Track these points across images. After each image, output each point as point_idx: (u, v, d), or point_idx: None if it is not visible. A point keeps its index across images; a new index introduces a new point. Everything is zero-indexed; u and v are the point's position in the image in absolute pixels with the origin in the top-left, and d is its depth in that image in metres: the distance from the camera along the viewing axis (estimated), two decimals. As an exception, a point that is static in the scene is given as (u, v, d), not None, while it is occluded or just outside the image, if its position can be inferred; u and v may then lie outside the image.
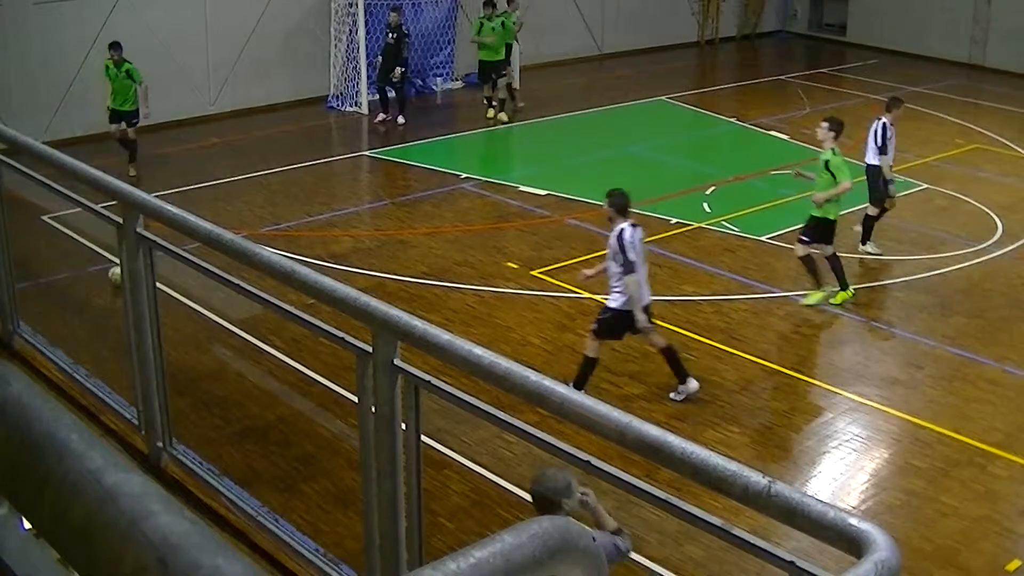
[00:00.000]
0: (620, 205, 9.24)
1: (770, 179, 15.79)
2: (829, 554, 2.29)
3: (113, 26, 16.95)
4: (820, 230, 11.36)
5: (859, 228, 12.90)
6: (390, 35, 18.11)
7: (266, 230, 13.43)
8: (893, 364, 10.45)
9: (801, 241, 11.46)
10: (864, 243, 12.93)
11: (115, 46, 15.15)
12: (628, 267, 9.10)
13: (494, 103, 18.78)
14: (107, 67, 15.26)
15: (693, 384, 9.48)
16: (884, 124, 12.61)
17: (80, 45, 16.78)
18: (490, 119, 18.69)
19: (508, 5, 19.07)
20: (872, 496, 8.33)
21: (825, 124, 11.52)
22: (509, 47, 18.77)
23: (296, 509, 7.52)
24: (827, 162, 11.29)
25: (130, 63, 15.20)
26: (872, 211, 12.90)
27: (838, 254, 11.57)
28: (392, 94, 18.39)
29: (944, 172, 16.12)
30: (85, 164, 4.88)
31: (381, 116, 18.53)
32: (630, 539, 4.87)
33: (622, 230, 9.12)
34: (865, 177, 12.87)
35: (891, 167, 12.76)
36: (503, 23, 18.50)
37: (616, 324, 9.35)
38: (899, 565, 2.10)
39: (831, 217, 11.38)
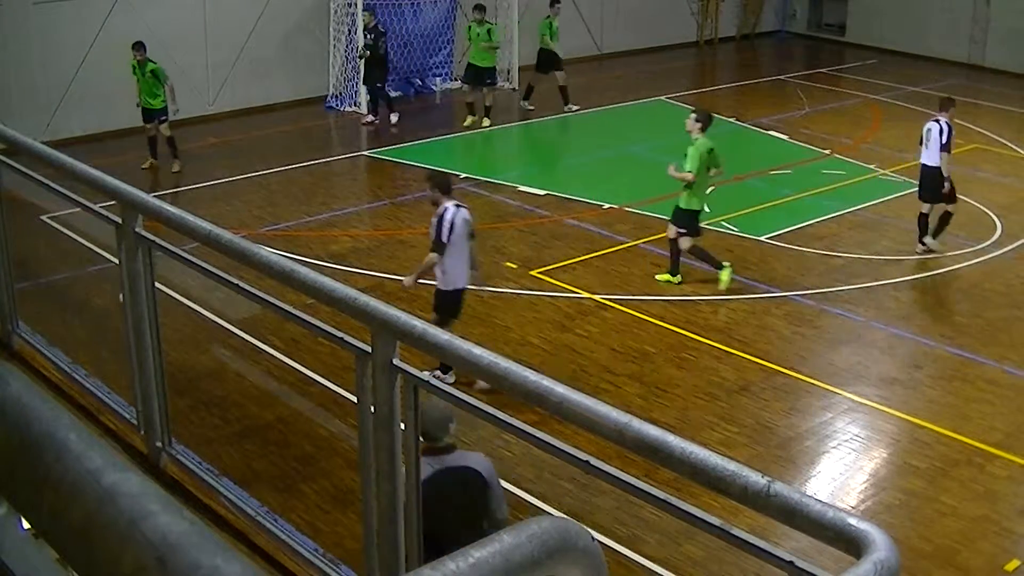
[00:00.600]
0: (443, 184, 9.56)
1: (769, 179, 15.80)
2: (828, 554, 2.29)
3: (112, 26, 16.96)
4: (685, 219, 11.84)
5: (928, 241, 12.91)
6: (367, 36, 18.08)
7: (265, 230, 13.43)
8: (892, 364, 10.45)
9: (680, 235, 11.89)
10: (931, 238, 12.93)
11: (138, 46, 15.31)
12: (436, 246, 9.31)
13: (475, 111, 18.41)
14: (133, 67, 15.45)
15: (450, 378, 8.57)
16: (946, 124, 12.69)
17: (79, 45, 16.79)
18: (467, 126, 18.37)
19: (551, 8, 19.07)
20: (871, 496, 8.33)
21: (693, 116, 12.06)
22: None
23: (295, 509, 7.52)
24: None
25: (154, 63, 15.37)
26: (925, 208, 12.93)
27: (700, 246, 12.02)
28: (369, 95, 18.45)
29: (943, 172, 16.10)
30: (84, 164, 4.88)
31: (369, 118, 18.51)
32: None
33: (445, 209, 9.31)
34: (922, 177, 12.89)
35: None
36: (489, 30, 18.42)
37: (445, 303, 9.62)
38: (898, 565, 2.10)
39: (693, 208, 11.80)
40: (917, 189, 13.09)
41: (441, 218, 9.24)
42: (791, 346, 10.73)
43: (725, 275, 11.83)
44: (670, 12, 24.75)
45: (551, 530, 1.81)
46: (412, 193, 15.13)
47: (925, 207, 12.93)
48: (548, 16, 19.13)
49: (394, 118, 18.40)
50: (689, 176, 11.57)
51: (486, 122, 18.35)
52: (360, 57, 18.32)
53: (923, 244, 12.93)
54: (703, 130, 11.79)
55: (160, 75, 15.37)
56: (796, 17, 27.12)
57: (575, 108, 19.26)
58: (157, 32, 17.12)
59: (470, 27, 18.60)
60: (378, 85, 18.27)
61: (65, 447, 1.64)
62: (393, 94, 20.04)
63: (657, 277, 12.12)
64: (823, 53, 25.45)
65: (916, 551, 7.48)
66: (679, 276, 12.04)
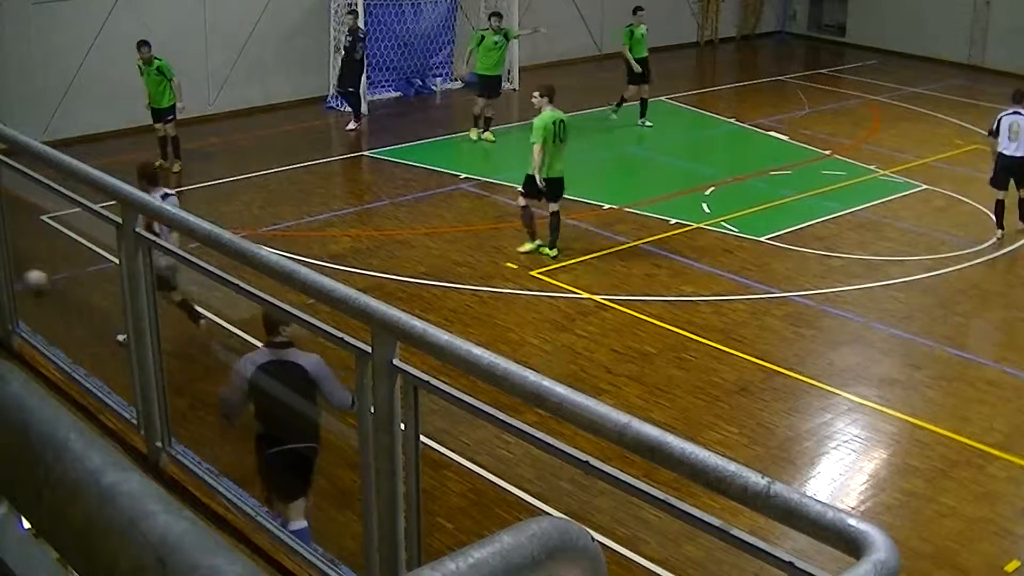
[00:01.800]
0: (148, 175, 10.14)
1: (769, 180, 15.80)
2: (828, 555, 2.29)
3: (112, 26, 16.96)
4: (535, 186, 12.52)
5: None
6: (346, 38, 17.91)
7: (265, 230, 13.43)
8: (892, 365, 10.45)
9: (520, 194, 12.79)
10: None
11: (143, 45, 15.23)
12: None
13: (480, 123, 17.70)
14: (139, 66, 15.35)
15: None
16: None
17: (79, 45, 16.79)
18: (475, 141, 17.64)
19: (634, 16, 18.41)
20: (871, 497, 8.33)
21: (536, 92, 12.81)
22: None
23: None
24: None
25: (160, 59, 15.28)
26: (1001, 195, 13.42)
27: (560, 215, 12.73)
28: (343, 100, 18.25)
29: (943, 173, 16.13)
30: (84, 164, 4.88)
31: (352, 126, 18.08)
32: None
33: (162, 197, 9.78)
34: (1012, 166, 13.23)
35: None
36: (506, 34, 17.89)
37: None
38: (898, 566, 2.09)
39: (550, 175, 12.47)
40: (998, 178, 13.38)
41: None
42: (791, 347, 10.73)
43: (529, 247, 12.76)
44: (670, 13, 24.73)
45: (551, 530, 1.81)
46: (412, 193, 15.13)
47: (1001, 194, 13.36)
48: (630, 24, 18.31)
49: (352, 126, 17.99)
50: (536, 148, 12.30)
51: (488, 135, 17.66)
52: (352, 89, 17.90)
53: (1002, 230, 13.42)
54: (550, 102, 12.51)
55: (166, 71, 15.31)
56: (796, 18, 27.12)
57: (649, 124, 18.52)
58: (157, 32, 17.10)
59: (483, 37, 17.64)
60: (350, 89, 17.84)
61: (65, 447, 1.63)
62: (394, 94, 20.06)
63: (542, 250, 12.78)
64: (823, 54, 25.46)
65: (916, 552, 7.48)
66: (539, 241, 12.77)
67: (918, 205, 14.82)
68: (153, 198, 9.21)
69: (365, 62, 18.32)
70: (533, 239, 12.79)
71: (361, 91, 18.23)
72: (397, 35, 20.11)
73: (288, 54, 19.26)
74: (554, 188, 12.56)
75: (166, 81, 15.31)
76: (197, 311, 10.54)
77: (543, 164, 12.39)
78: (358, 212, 14.53)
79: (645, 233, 13.53)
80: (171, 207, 10.06)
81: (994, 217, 13.49)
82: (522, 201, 12.73)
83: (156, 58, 15.27)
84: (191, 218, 4.21)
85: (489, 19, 18.12)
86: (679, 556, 7.30)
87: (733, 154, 17.81)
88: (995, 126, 13.28)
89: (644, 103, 18.43)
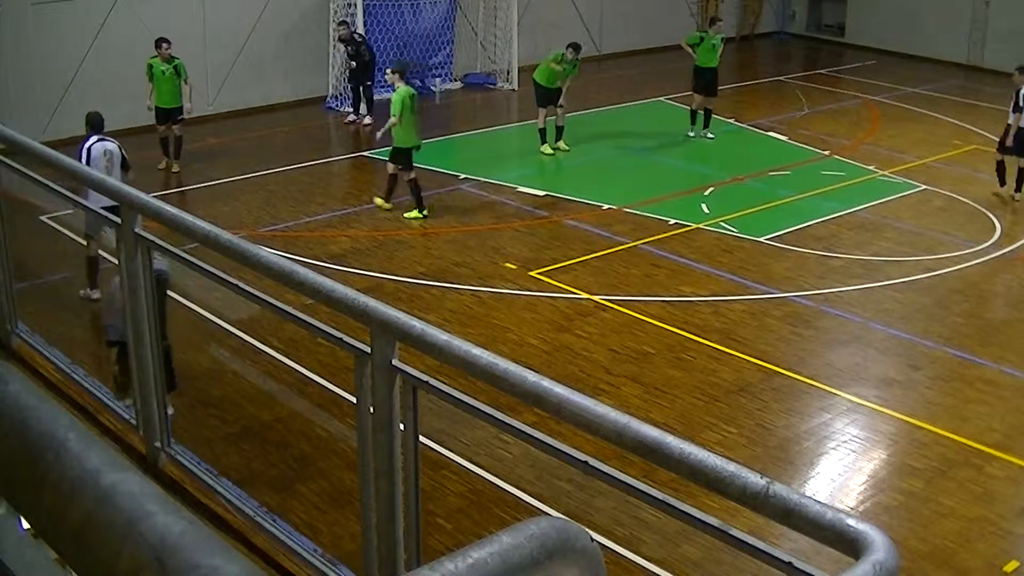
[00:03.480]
0: (93, 121, 11.31)
1: (768, 180, 15.81)
2: (827, 555, 2.29)
3: (111, 27, 16.96)
4: (399, 156, 13.96)
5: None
6: (348, 48, 18.23)
7: (264, 230, 13.43)
8: (891, 365, 10.45)
9: (399, 170, 14.02)
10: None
11: (163, 41, 15.22)
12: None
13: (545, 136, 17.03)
14: (152, 65, 15.28)
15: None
16: None
17: (78, 46, 16.78)
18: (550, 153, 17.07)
19: (711, 27, 18.37)
20: (870, 497, 8.33)
21: (389, 70, 14.59)
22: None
23: (294, 509, 7.52)
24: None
25: (177, 58, 15.34)
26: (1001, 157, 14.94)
27: (418, 179, 14.04)
28: (353, 95, 18.55)
29: (942, 173, 16.14)
30: (83, 164, 4.88)
31: (351, 117, 18.55)
32: None
33: (88, 141, 10.91)
34: None
35: None
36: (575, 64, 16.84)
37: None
38: (897, 566, 2.10)
39: (406, 145, 13.90)
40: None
41: (82, 146, 10.91)
42: (790, 347, 10.74)
43: (415, 215, 13.92)
44: (669, 13, 24.75)
45: (550, 530, 1.81)
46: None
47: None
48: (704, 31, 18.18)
49: (368, 120, 18.26)
50: (394, 121, 13.68)
51: (563, 144, 17.11)
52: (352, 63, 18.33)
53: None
54: (402, 78, 14.07)
55: (182, 71, 15.36)
56: (795, 18, 27.13)
57: (711, 136, 18.08)
58: (156, 32, 17.09)
59: (562, 61, 16.55)
60: (368, 84, 18.31)
61: (64, 447, 1.63)
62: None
63: (405, 215, 13.97)
64: (822, 54, 25.46)
65: (914, 552, 7.48)
66: (425, 210, 13.95)
67: (917, 205, 14.83)
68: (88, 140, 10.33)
69: (374, 61, 18.47)
70: (421, 207, 13.95)
71: (363, 90, 18.41)
72: (396, 36, 20.11)
73: (287, 54, 19.26)
74: (410, 157, 13.98)
75: (179, 81, 15.33)
76: (96, 277, 10.92)
77: (405, 135, 13.77)
78: (357, 212, 14.53)
79: (644, 233, 13.53)
80: (104, 151, 10.56)
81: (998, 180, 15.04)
82: (392, 168, 14.01)
83: (174, 57, 15.32)
84: (190, 218, 4.21)
85: (567, 49, 16.73)
86: (678, 556, 7.30)
87: (732, 154, 17.80)
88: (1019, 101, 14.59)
89: (708, 114, 18.04)
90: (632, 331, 10.91)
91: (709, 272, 12.30)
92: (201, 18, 18.09)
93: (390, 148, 14.12)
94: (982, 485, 8.42)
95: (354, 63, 18.21)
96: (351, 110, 18.77)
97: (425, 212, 13.96)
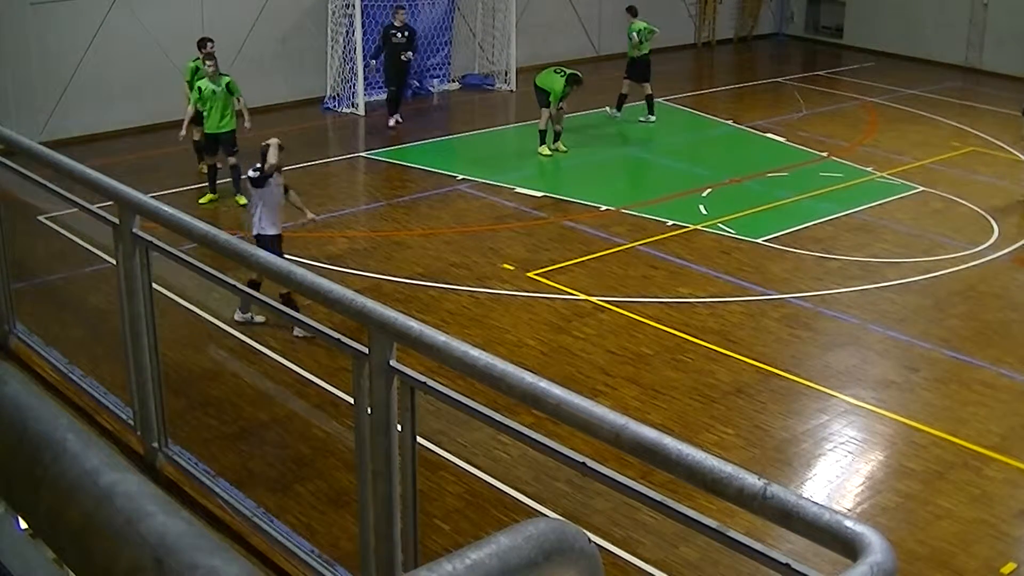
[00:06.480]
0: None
1: (766, 181, 15.81)
2: (824, 556, 2.30)
3: (110, 27, 16.94)
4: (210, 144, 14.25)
5: None
6: (399, 35, 18.01)
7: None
8: (889, 367, 10.46)
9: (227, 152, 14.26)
10: None
11: (207, 41, 14.12)
12: None
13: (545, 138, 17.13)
14: (199, 88, 13.73)
15: None
16: None
17: (77, 46, 16.77)
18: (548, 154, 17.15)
19: (636, 17, 18.77)
20: (867, 499, 8.34)
21: (204, 52, 14.38)
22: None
23: (291, 510, 7.52)
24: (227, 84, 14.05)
25: (228, 75, 14.03)
26: None
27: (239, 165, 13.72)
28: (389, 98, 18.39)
29: (940, 175, 16.15)
30: (81, 164, 4.88)
31: (396, 119, 18.42)
32: None
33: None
34: None
35: None
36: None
37: None
38: (894, 568, 2.10)
39: (214, 131, 13.97)
40: None
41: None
42: (787, 348, 10.74)
43: (207, 199, 14.22)
44: (667, 14, 24.71)
45: (547, 532, 1.81)
46: (409, 194, 15.14)
47: None
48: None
49: (394, 121, 18.41)
50: (191, 111, 14.07)
51: (561, 146, 17.24)
52: (405, 60, 18.10)
53: None
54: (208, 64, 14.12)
55: (236, 89, 13.78)
56: (793, 20, 27.13)
57: (652, 119, 18.96)
58: (154, 33, 17.14)
59: (564, 83, 16.92)
60: (392, 88, 18.33)
61: (62, 447, 1.64)
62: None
63: (200, 201, 14.27)
64: (820, 56, 25.47)
65: (912, 554, 7.49)
66: (215, 195, 14.32)
67: (915, 207, 14.84)
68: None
69: (411, 62, 18.38)
70: (215, 191, 14.33)
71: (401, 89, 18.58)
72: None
73: (286, 55, 19.25)
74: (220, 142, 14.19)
75: (232, 100, 13.87)
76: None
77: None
78: (355, 213, 14.53)
79: (642, 235, 13.53)
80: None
81: None
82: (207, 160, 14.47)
83: (223, 74, 13.84)
84: (188, 218, 4.21)
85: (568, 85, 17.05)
86: (675, 557, 7.30)
87: (730, 156, 17.81)
88: None
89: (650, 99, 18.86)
90: (630, 332, 10.91)
91: (707, 273, 12.31)
92: (199, 18, 18.07)
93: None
94: (980, 487, 8.42)
95: (410, 54, 18.04)
96: (395, 112, 18.51)
97: (216, 196, 14.26)
